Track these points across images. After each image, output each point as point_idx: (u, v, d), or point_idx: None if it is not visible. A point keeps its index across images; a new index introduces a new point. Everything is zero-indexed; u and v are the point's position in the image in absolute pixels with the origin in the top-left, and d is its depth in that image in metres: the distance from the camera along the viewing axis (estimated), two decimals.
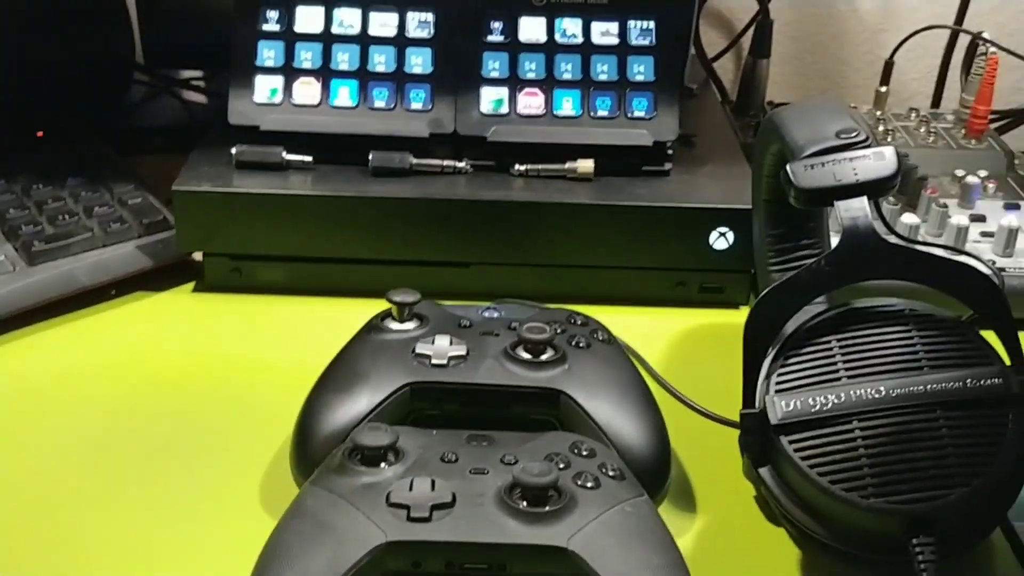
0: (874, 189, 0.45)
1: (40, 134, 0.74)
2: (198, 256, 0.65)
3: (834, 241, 0.45)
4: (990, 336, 0.44)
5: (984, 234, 0.66)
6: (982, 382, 0.42)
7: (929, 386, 0.42)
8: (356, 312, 0.54)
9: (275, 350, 0.60)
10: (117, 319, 0.62)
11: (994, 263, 0.63)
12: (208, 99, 0.84)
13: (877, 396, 0.42)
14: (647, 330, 0.61)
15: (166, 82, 0.85)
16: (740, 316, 0.64)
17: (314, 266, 0.64)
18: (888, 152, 0.45)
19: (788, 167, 0.46)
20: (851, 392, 0.43)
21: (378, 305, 0.54)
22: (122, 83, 0.82)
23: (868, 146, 0.46)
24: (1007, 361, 0.43)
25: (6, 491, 0.49)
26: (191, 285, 0.65)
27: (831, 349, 0.44)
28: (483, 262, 0.64)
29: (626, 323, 0.59)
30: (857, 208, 0.45)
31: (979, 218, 0.68)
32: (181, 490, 0.50)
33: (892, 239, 0.45)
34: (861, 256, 0.44)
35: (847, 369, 0.44)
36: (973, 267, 0.44)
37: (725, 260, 0.63)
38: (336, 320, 0.56)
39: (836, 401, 0.43)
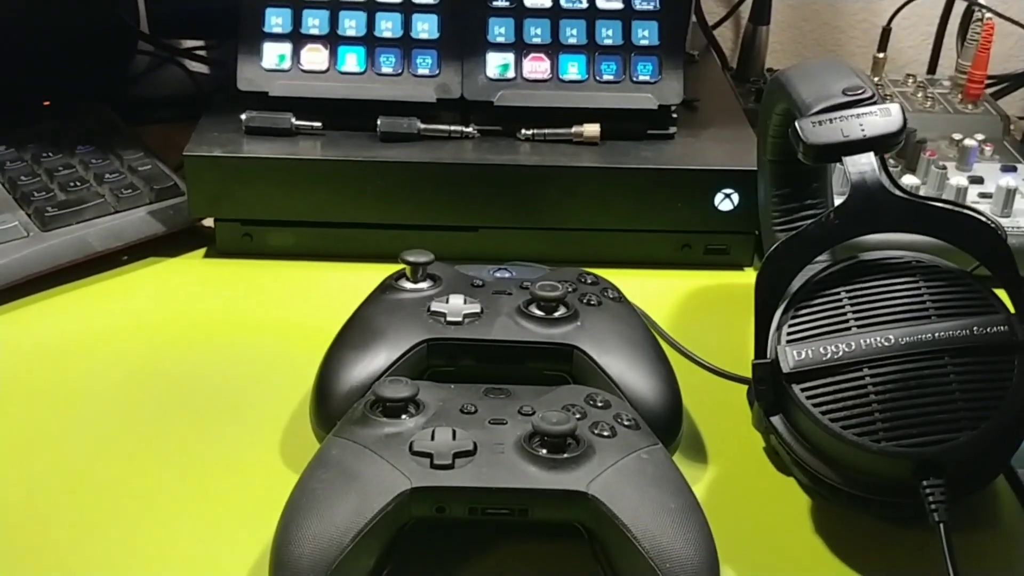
0: (881, 144, 0.46)
1: (46, 103, 0.74)
2: (209, 222, 0.65)
3: (838, 200, 0.46)
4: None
5: (982, 195, 0.67)
6: (988, 330, 0.43)
7: (937, 334, 0.43)
8: (365, 276, 0.55)
9: (286, 313, 0.61)
10: (130, 284, 0.63)
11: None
12: (211, 69, 0.84)
13: (886, 344, 0.43)
14: (654, 291, 0.62)
15: (170, 52, 0.85)
16: (745, 277, 0.65)
17: (324, 231, 0.65)
18: (894, 109, 0.46)
19: (797, 123, 0.47)
20: (861, 341, 0.44)
21: (386, 269, 0.54)
22: (126, 53, 0.82)
23: (875, 103, 0.47)
24: (1012, 310, 0.44)
25: (24, 451, 0.50)
26: (202, 251, 0.66)
27: (840, 300, 0.45)
28: (491, 226, 0.65)
29: (633, 284, 0.60)
30: (865, 163, 0.46)
31: (977, 180, 0.69)
32: (200, 447, 0.50)
33: (898, 193, 0.46)
34: (869, 209, 0.45)
35: (856, 319, 0.45)
36: (979, 219, 0.45)
37: (730, 221, 0.64)
38: (346, 283, 0.57)
39: (846, 349, 0.44)
